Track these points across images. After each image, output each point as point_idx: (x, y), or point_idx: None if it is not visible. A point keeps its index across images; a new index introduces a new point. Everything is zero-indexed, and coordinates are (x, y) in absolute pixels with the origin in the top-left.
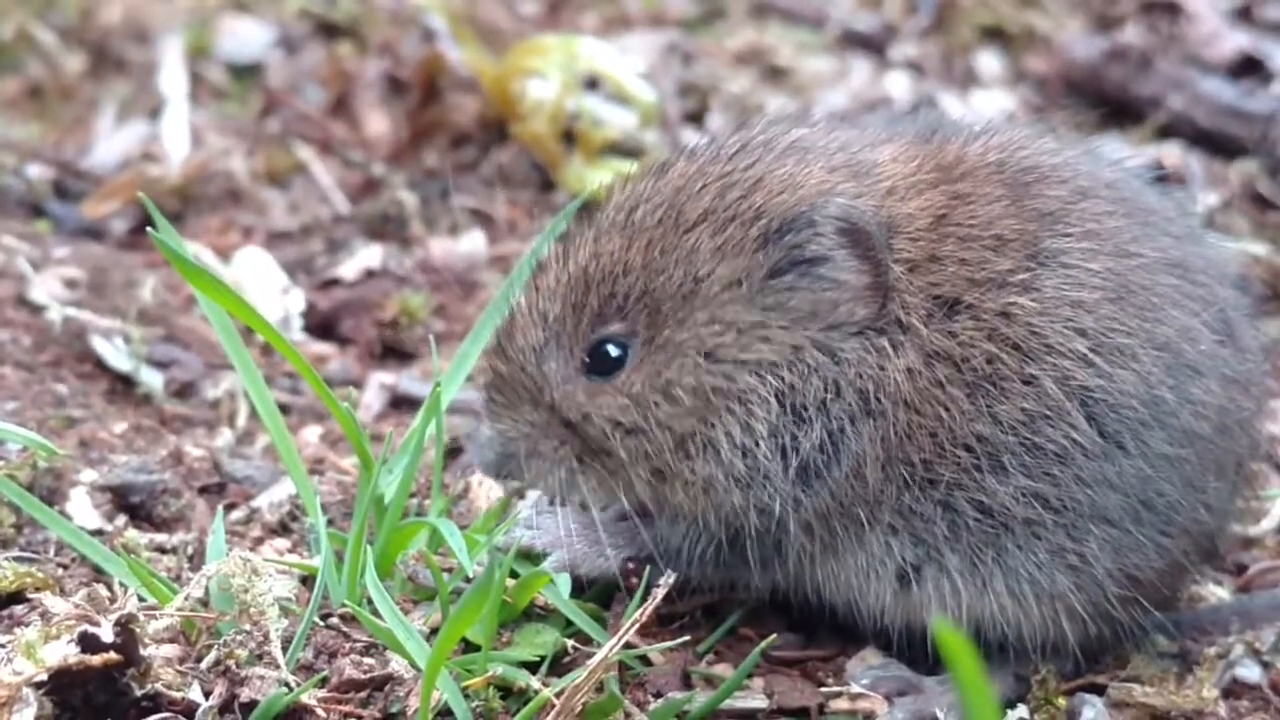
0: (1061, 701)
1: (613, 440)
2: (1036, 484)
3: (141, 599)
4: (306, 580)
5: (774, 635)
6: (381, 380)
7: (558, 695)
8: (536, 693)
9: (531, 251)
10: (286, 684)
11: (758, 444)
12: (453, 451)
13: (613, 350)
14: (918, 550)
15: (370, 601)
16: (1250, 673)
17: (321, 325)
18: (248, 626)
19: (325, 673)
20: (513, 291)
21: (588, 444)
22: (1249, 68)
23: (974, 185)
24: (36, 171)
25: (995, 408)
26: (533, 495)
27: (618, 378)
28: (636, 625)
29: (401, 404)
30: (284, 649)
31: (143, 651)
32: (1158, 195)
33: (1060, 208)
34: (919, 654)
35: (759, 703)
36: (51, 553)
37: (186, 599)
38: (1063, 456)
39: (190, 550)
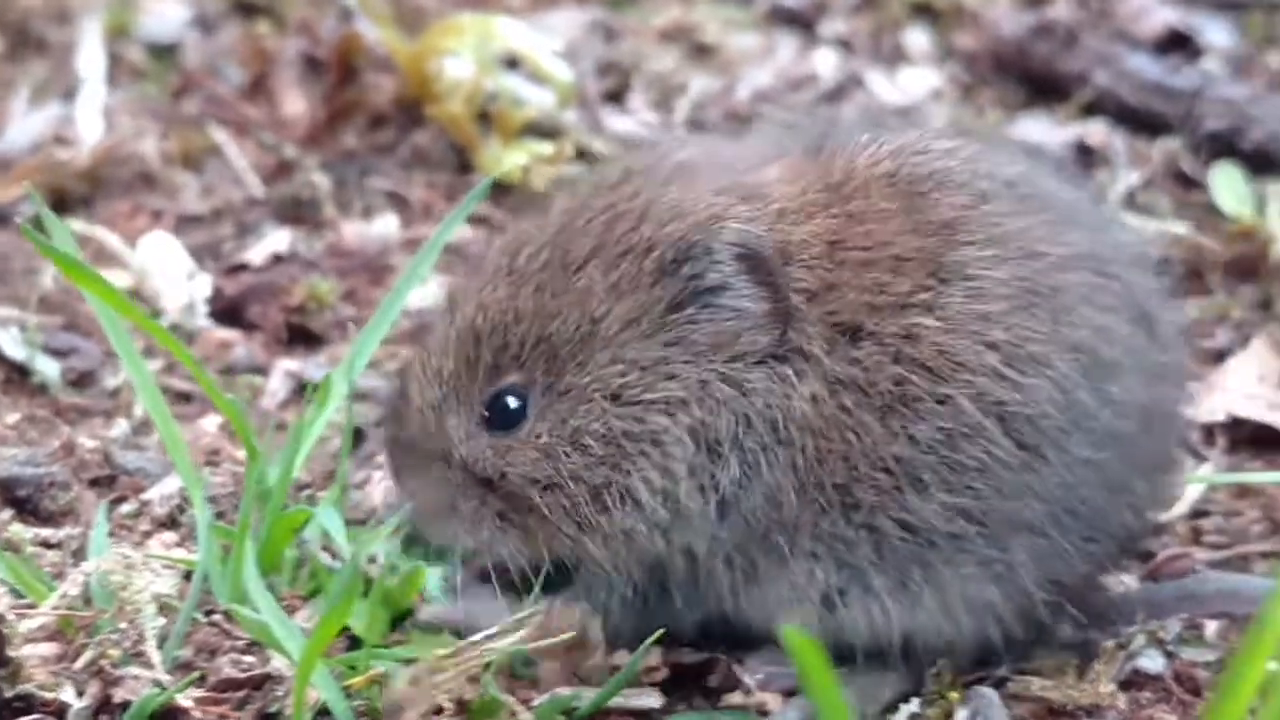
0: (955, 695)
1: (530, 497)
2: (959, 499)
3: (21, 596)
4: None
5: (661, 629)
6: (287, 367)
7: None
8: None
9: (438, 236)
10: (160, 684)
11: (677, 486)
12: (354, 438)
13: (512, 402)
14: (842, 574)
15: None
16: (1153, 664)
17: (228, 311)
18: (124, 625)
19: (203, 672)
20: (418, 275)
21: (507, 502)
22: (1177, 43)
23: (866, 203)
24: None
25: (911, 429)
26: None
27: (521, 430)
28: (522, 630)
29: (307, 391)
30: (161, 647)
31: (12, 652)
32: (1065, 186)
33: (959, 215)
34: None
35: (652, 701)
36: None
37: (63, 597)
38: (983, 470)
39: (75, 545)
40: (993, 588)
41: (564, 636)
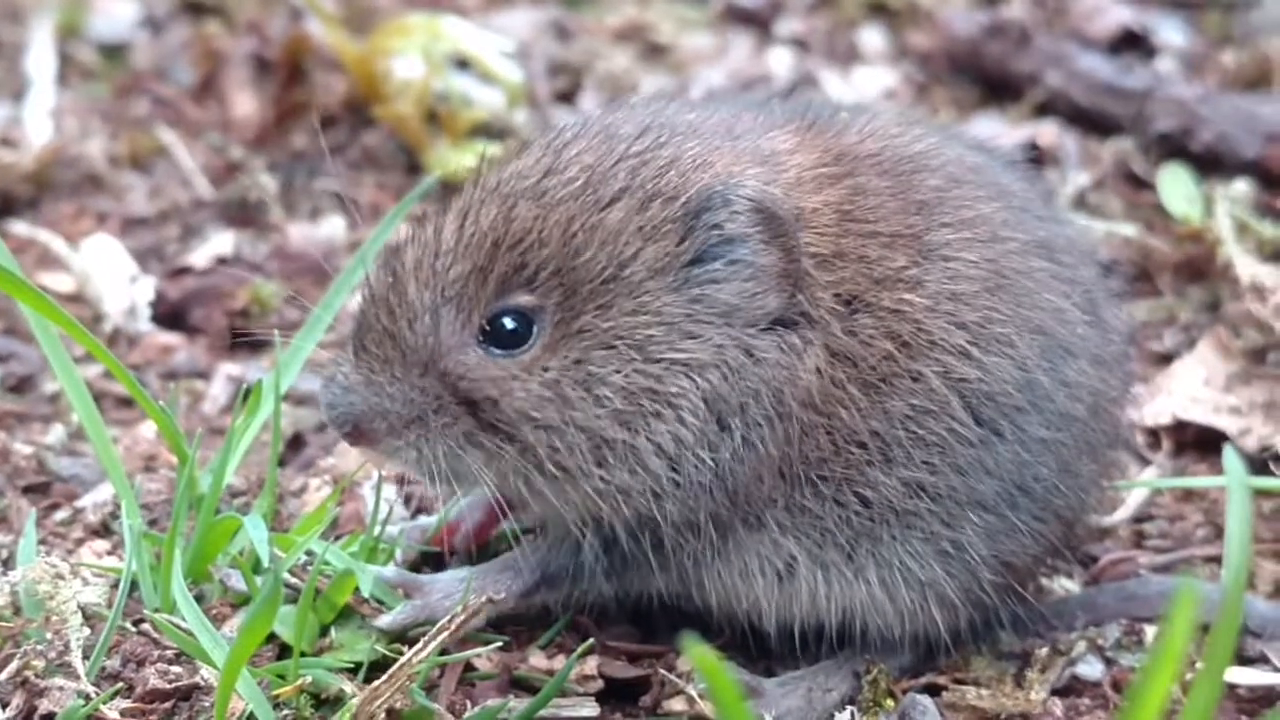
0: (890, 703)
1: (520, 431)
2: (917, 474)
3: None
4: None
5: (589, 641)
6: (229, 372)
7: (364, 702)
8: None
9: (377, 235)
10: (86, 695)
11: (684, 454)
12: (294, 445)
13: (513, 322)
14: (800, 546)
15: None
16: (1092, 670)
17: (171, 315)
18: (50, 635)
19: (129, 682)
20: (354, 279)
21: (485, 425)
22: (1132, 42)
23: (866, 178)
24: None
25: (886, 404)
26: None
27: (523, 355)
28: (446, 632)
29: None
30: (88, 657)
31: None
32: (1018, 177)
33: (936, 197)
34: (787, 651)
35: (589, 711)
36: None
37: None
38: (943, 447)
39: (4, 554)
40: (938, 565)
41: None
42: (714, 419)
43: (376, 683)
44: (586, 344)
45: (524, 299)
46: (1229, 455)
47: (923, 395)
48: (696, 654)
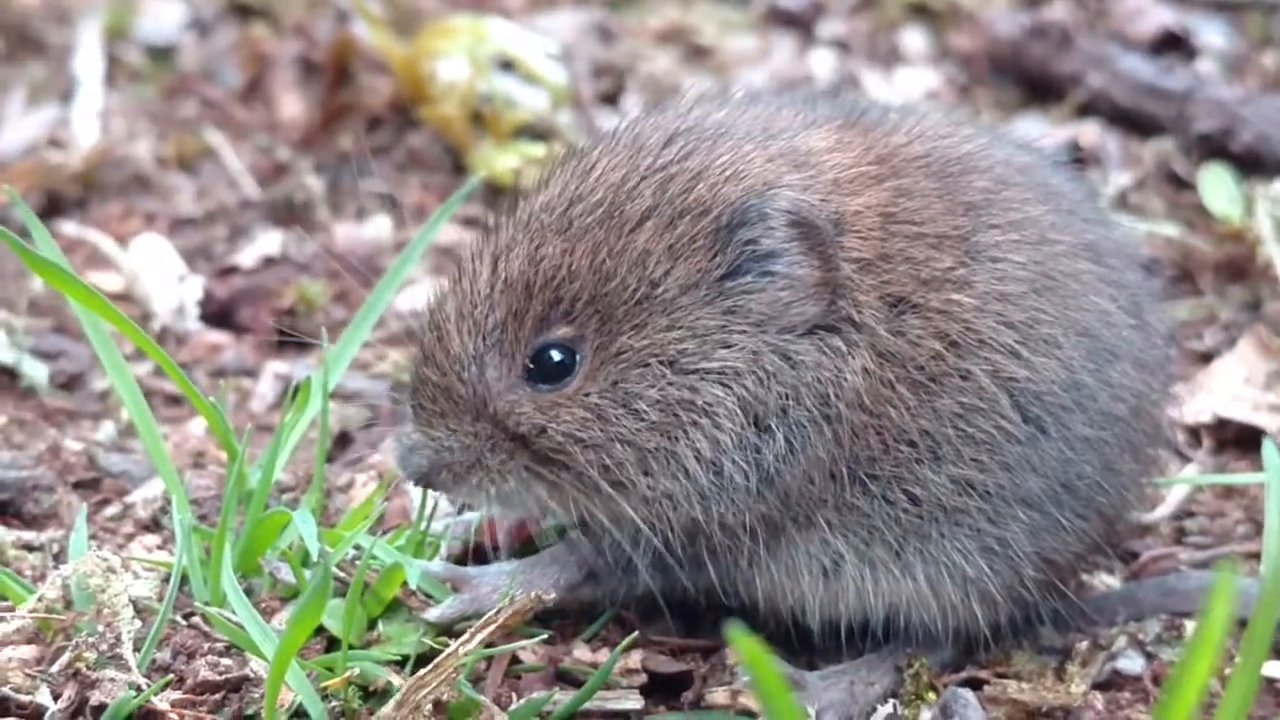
0: (932, 696)
1: (570, 455)
2: (966, 471)
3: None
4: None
5: (634, 634)
6: (276, 370)
7: (409, 691)
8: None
9: (421, 236)
10: (137, 686)
11: (723, 458)
12: (341, 442)
13: (557, 355)
14: (848, 544)
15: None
16: (1133, 664)
17: (219, 314)
18: (101, 628)
19: (180, 674)
20: (402, 276)
21: (539, 457)
22: (1172, 44)
23: (912, 180)
24: None
25: (935, 402)
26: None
27: (567, 386)
28: (493, 625)
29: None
30: (139, 650)
31: None
32: (1066, 178)
33: (984, 199)
34: (830, 645)
35: (633, 704)
36: None
37: (40, 600)
38: (991, 445)
39: (57, 548)
40: (982, 562)
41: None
42: (752, 423)
43: (422, 673)
44: (623, 365)
45: (562, 331)
46: (1269, 449)
47: (972, 393)
48: (743, 644)
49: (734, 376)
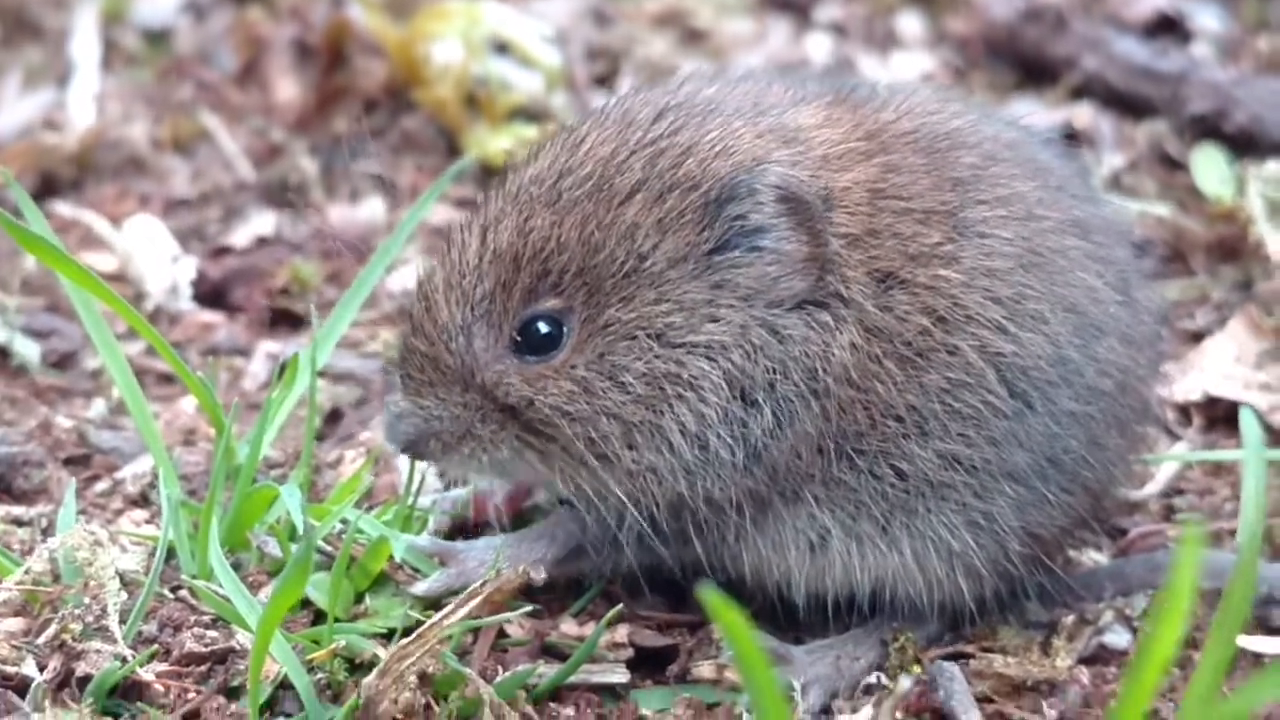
0: (917, 669)
1: (557, 427)
2: (953, 446)
3: None
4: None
5: (618, 607)
6: (268, 349)
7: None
8: None
9: (412, 215)
10: (122, 658)
11: (709, 433)
12: (332, 419)
13: (545, 327)
14: (834, 518)
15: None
16: (1119, 639)
17: (212, 293)
18: (87, 600)
19: (166, 646)
20: (390, 256)
21: (528, 427)
22: (1166, 27)
23: (900, 155)
24: None
25: (923, 378)
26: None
27: (555, 358)
28: (478, 598)
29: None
30: (125, 622)
31: None
32: (1054, 155)
33: (972, 174)
34: (816, 620)
35: (619, 677)
36: None
37: (27, 572)
38: (978, 419)
39: (45, 523)
40: (968, 536)
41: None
42: (738, 397)
43: (404, 642)
44: (610, 337)
45: (550, 303)
46: (1246, 418)
47: (959, 369)
48: (723, 615)
49: (720, 350)
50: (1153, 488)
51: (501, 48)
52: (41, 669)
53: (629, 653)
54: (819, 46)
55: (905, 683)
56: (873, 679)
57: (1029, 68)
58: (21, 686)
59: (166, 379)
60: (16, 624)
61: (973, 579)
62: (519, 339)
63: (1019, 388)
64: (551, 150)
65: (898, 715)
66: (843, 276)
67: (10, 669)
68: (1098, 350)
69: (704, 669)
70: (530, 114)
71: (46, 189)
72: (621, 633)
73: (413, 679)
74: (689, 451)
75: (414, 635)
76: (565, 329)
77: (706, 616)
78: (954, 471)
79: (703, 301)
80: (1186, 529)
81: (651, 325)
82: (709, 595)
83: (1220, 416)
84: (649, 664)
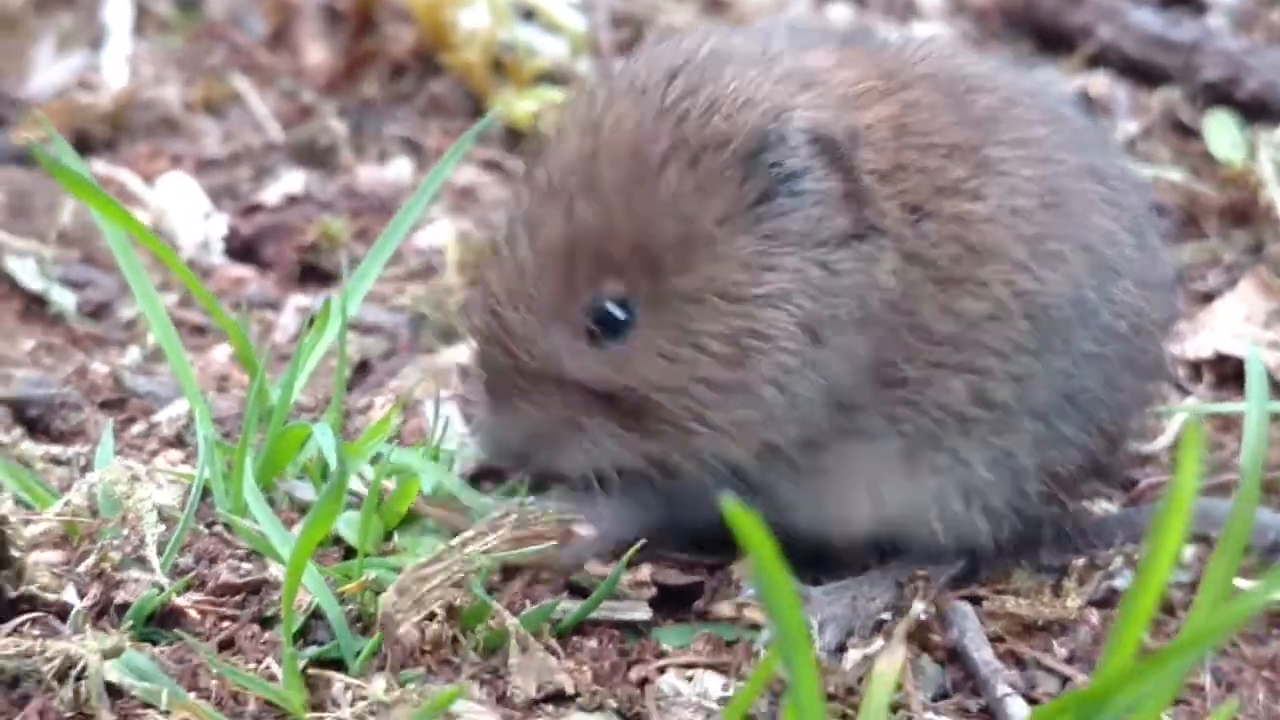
0: (930, 608)
1: (655, 403)
2: (980, 380)
3: (27, 505)
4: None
5: (640, 542)
6: (298, 303)
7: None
8: None
9: (437, 172)
10: (160, 586)
11: (790, 377)
12: (361, 370)
13: (618, 311)
14: (870, 452)
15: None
16: (1128, 583)
17: (243, 249)
18: (126, 531)
19: (202, 577)
20: (415, 213)
21: (627, 411)
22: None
23: (920, 93)
24: None
25: (957, 304)
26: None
27: (631, 338)
28: (500, 530)
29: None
30: (162, 553)
31: (14, 553)
32: (1069, 105)
33: (991, 115)
34: (836, 560)
35: (642, 614)
36: None
37: (67, 504)
38: (1002, 354)
39: (83, 462)
40: (988, 473)
41: (547, 542)
42: (809, 338)
43: (423, 560)
44: (683, 307)
45: (613, 287)
46: (1252, 360)
47: (989, 301)
48: (732, 511)
49: (785, 298)
50: (1163, 441)
51: (528, 14)
52: (81, 596)
53: (652, 591)
54: (839, 16)
55: (918, 606)
56: (887, 618)
57: (1046, 38)
58: (62, 612)
59: (198, 330)
60: (56, 555)
61: (990, 518)
62: (592, 328)
63: (1040, 325)
64: (572, 137)
65: (911, 652)
66: (878, 209)
67: (51, 596)
68: (1114, 292)
69: (723, 607)
70: (555, 78)
71: (81, 147)
72: (645, 572)
73: (438, 607)
74: (777, 399)
75: (433, 556)
76: (632, 309)
77: (727, 559)
78: (978, 406)
79: (758, 253)
80: (1187, 429)
81: (716, 286)
82: (730, 506)
83: (1230, 374)
84: (672, 602)
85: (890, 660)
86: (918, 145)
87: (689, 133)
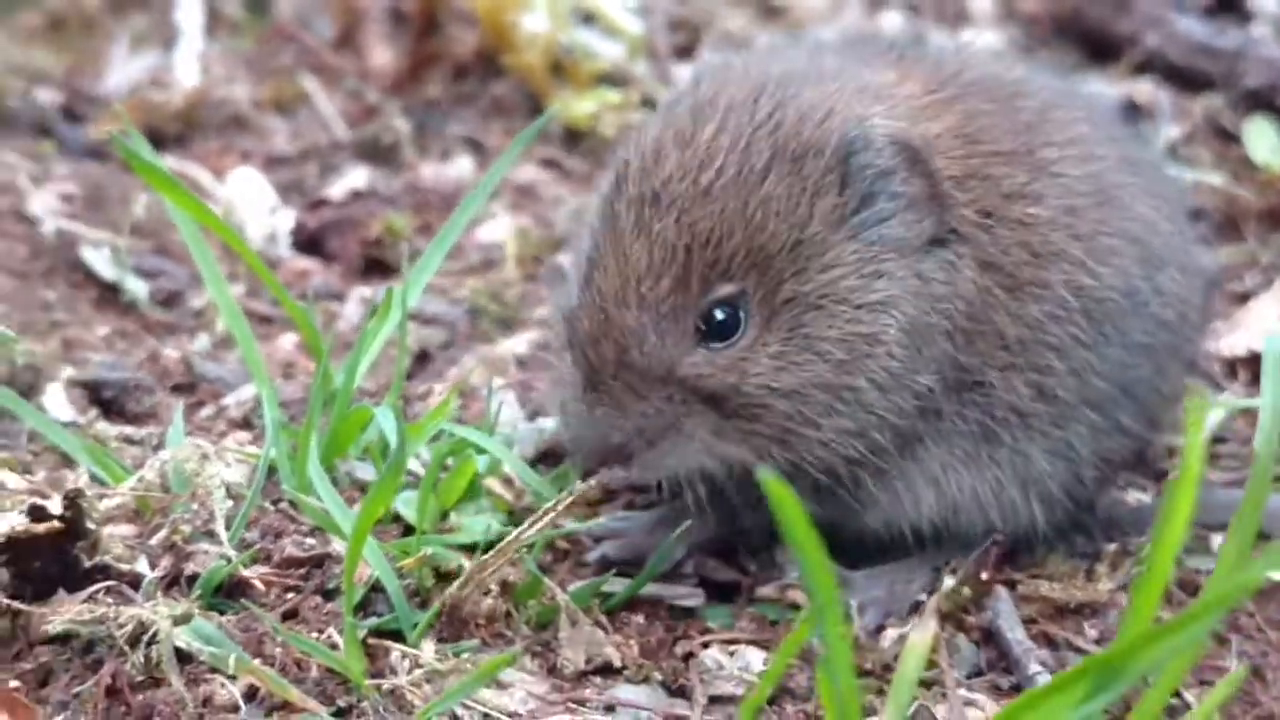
0: (967, 591)
1: (767, 406)
2: (1041, 377)
3: (102, 481)
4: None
5: (688, 522)
6: (362, 294)
7: (474, 571)
8: None
9: (496, 168)
10: (227, 558)
11: (894, 383)
12: (420, 360)
13: (728, 313)
14: (949, 451)
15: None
16: None
17: (309, 242)
18: (196, 506)
19: (268, 551)
20: (474, 207)
21: (729, 413)
22: (1227, 7)
23: (975, 103)
24: (47, 96)
25: (1025, 308)
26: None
27: (739, 341)
28: (558, 511)
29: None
30: (230, 527)
31: (90, 525)
32: (1097, 102)
33: (1038, 118)
34: (898, 545)
35: (694, 600)
36: (24, 441)
37: (140, 481)
38: (1062, 350)
39: (155, 441)
40: (1047, 464)
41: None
42: (910, 342)
43: (486, 556)
44: (796, 311)
45: (726, 290)
46: (1269, 346)
47: (1052, 301)
48: (770, 484)
49: (892, 303)
50: None
51: (587, 17)
52: (153, 567)
53: (695, 582)
54: (892, 22)
55: (949, 582)
56: (924, 599)
57: (1094, 45)
58: (135, 582)
59: (265, 320)
60: (129, 528)
61: (1046, 504)
62: (704, 328)
63: (1097, 319)
64: (669, 151)
65: (948, 632)
66: (957, 216)
67: (124, 566)
68: (1161, 281)
69: (768, 589)
70: (613, 80)
71: (153, 143)
72: (689, 566)
73: (494, 587)
74: (881, 404)
75: (495, 549)
76: (743, 312)
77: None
78: (1040, 402)
79: (867, 259)
80: (1192, 401)
81: (833, 292)
82: (770, 482)
83: None
84: (715, 596)
85: (923, 634)
86: (982, 153)
87: (785, 141)
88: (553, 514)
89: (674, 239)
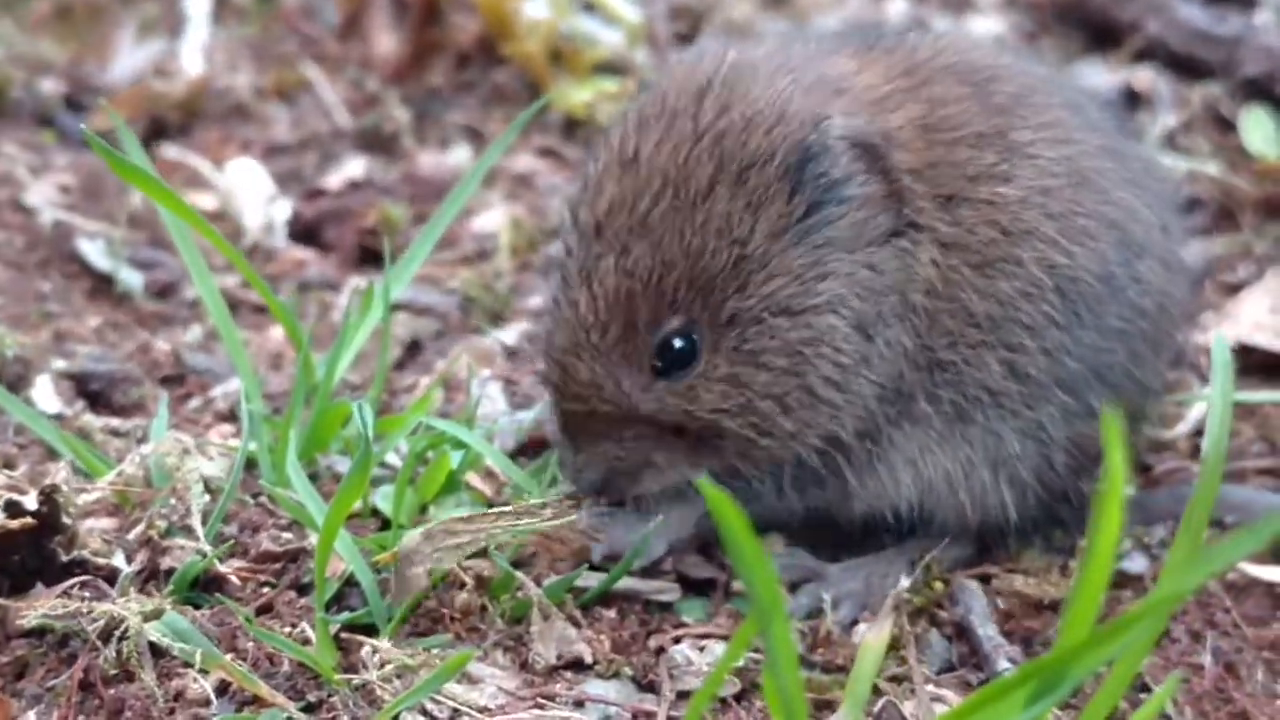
0: (939, 585)
1: (724, 427)
2: (1014, 356)
3: (86, 475)
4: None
5: (661, 518)
6: (357, 284)
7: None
8: None
9: (486, 157)
10: (203, 553)
11: (847, 374)
12: (412, 350)
13: (681, 344)
14: (917, 431)
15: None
16: (1136, 565)
17: (306, 232)
18: (174, 501)
19: (244, 546)
20: (466, 195)
21: (697, 437)
22: None
23: (944, 87)
24: (50, 86)
25: (995, 285)
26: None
27: (696, 368)
28: (533, 518)
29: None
30: (206, 522)
31: (67, 520)
32: (1086, 95)
33: (1014, 102)
34: (878, 532)
35: (670, 595)
36: (10, 434)
37: (120, 475)
38: (1034, 329)
39: (140, 434)
40: (1018, 445)
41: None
42: (861, 336)
43: (456, 516)
44: (739, 329)
45: (675, 323)
46: (1218, 347)
47: (1023, 279)
48: (707, 490)
49: (840, 302)
50: (1182, 428)
51: (587, 5)
52: (129, 561)
53: (672, 577)
54: (896, 9)
55: (904, 583)
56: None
57: (1096, 31)
58: (111, 576)
59: (259, 310)
60: (109, 522)
61: (1016, 489)
62: (659, 364)
63: (1070, 299)
64: (612, 174)
65: (920, 628)
66: (915, 206)
67: (101, 560)
68: (1140, 269)
69: (740, 584)
70: (613, 68)
71: (155, 132)
72: (667, 563)
73: (469, 581)
74: (837, 397)
75: (464, 517)
76: (696, 338)
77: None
78: (1011, 380)
79: (811, 264)
80: (1108, 418)
81: (773, 303)
82: (707, 488)
83: (1253, 364)
84: (692, 591)
85: (879, 632)
86: (945, 141)
87: (730, 152)
88: (528, 518)
89: (614, 285)
